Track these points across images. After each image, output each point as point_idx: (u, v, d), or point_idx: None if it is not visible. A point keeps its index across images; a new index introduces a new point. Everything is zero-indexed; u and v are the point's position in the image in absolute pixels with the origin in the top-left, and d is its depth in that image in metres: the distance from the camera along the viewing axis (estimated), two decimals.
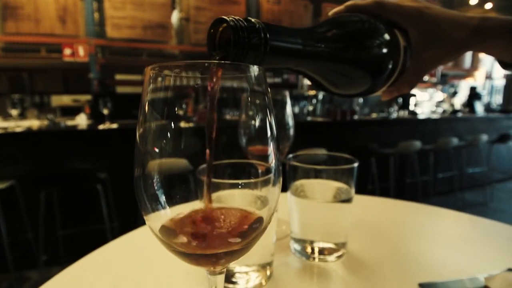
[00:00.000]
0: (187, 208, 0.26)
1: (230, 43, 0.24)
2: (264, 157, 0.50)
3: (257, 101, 0.24)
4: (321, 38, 0.31)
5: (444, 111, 4.33)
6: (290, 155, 0.50)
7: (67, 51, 3.19)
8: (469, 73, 5.99)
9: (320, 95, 3.82)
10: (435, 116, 3.76)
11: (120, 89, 3.92)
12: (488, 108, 4.94)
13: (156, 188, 0.23)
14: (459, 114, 3.99)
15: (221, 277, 0.24)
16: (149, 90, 0.22)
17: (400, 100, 3.82)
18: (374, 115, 3.64)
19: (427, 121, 3.57)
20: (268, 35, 0.25)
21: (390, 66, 0.36)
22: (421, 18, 0.36)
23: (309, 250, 0.48)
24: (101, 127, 2.24)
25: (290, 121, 0.58)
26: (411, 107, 4.09)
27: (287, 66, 0.30)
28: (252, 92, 0.23)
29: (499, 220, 0.64)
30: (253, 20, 0.24)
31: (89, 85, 3.50)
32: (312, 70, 0.33)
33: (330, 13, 0.38)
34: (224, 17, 0.24)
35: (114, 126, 2.31)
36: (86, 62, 3.37)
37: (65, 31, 3.18)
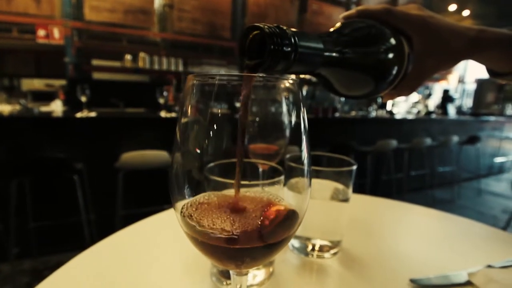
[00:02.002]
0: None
1: (265, 51, 0.24)
2: (267, 156, 0.50)
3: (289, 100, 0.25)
4: (339, 46, 0.32)
5: (418, 112, 4.51)
6: (288, 155, 0.51)
7: (41, 33, 3.00)
8: (443, 76, 6.27)
9: (304, 91, 3.86)
10: (410, 117, 3.92)
11: (97, 75, 3.76)
12: (459, 110, 5.21)
13: (192, 183, 0.25)
14: (433, 116, 4.18)
15: (246, 278, 0.25)
16: (192, 96, 0.23)
17: (379, 100, 3.94)
18: (353, 113, 3.74)
19: (403, 121, 3.72)
20: (298, 44, 0.25)
21: (395, 72, 0.38)
22: (425, 27, 0.38)
23: (309, 247, 0.50)
24: (78, 115, 2.15)
25: (286, 119, 0.59)
26: (389, 107, 4.23)
27: (307, 71, 0.31)
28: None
29: (465, 216, 0.70)
30: (284, 27, 0.25)
31: (63, 70, 3.33)
32: (327, 74, 0.34)
33: (341, 16, 0.39)
34: (259, 24, 0.24)
35: (93, 114, 2.23)
36: (61, 45, 3.19)
37: (40, 11, 2.99)
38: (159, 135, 2.37)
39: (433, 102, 5.14)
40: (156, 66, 3.79)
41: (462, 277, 0.45)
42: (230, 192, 0.27)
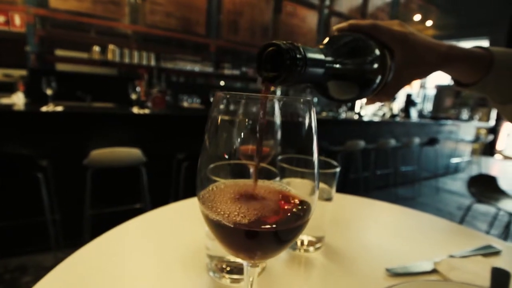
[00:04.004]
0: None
1: (281, 65, 0.26)
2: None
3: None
4: (335, 58, 0.35)
5: (384, 115, 4.77)
6: (280, 157, 0.54)
7: (0, 19, 2.78)
8: None
9: (278, 91, 3.92)
10: (376, 119, 4.14)
11: (61, 67, 3.55)
12: (420, 114, 5.58)
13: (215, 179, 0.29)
14: (397, 118, 4.44)
15: (256, 270, 0.27)
16: (220, 110, 0.26)
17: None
18: (324, 114, 3.87)
19: (370, 123, 3.92)
20: (307, 57, 0.28)
21: (378, 81, 0.43)
22: (405, 42, 0.43)
23: (298, 243, 0.53)
24: (44, 109, 2.02)
25: (278, 121, 0.62)
26: (357, 109, 4.43)
27: (312, 81, 0.34)
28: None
29: (424, 212, 0.79)
30: (295, 43, 0.27)
31: (24, 59, 3.11)
32: (324, 82, 0.38)
33: (335, 27, 0.43)
34: (276, 41, 0.27)
35: (59, 108, 2.11)
36: (22, 32, 2.98)
37: None
38: (131, 132, 2.30)
39: (397, 105, 5.45)
40: (126, 60, 3.66)
41: (429, 266, 0.51)
42: (245, 181, 0.29)
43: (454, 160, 5.31)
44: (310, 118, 0.28)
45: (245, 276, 0.28)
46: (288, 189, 0.30)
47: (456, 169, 5.47)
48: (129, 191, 2.27)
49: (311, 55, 0.29)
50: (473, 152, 5.96)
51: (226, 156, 0.27)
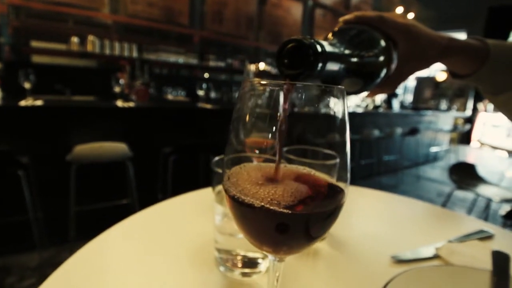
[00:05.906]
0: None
1: (303, 61, 0.26)
2: (261, 150, 0.53)
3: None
4: (349, 51, 0.35)
5: (367, 106, 4.86)
6: (285, 148, 0.54)
7: None
8: None
9: None
10: (360, 110, 4.22)
11: (37, 59, 3.38)
12: (402, 105, 5.72)
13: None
14: (380, 109, 4.54)
15: (282, 265, 0.27)
16: (246, 98, 0.25)
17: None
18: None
19: (355, 114, 3.99)
20: (327, 52, 0.27)
21: (383, 74, 0.43)
22: (409, 34, 0.43)
23: None
24: (23, 103, 1.93)
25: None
26: None
27: (330, 75, 0.33)
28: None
29: None
30: (315, 38, 0.27)
31: None
32: (336, 76, 0.38)
33: (341, 19, 0.43)
34: (296, 37, 0.26)
35: (39, 102, 2.02)
36: None
37: None
38: (116, 126, 2.24)
39: (380, 97, 5.57)
40: (107, 51, 3.53)
41: (431, 251, 0.53)
42: (270, 165, 0.27)
43: (434, 149, 5.51)
44: (343, 107, 0.27)
45: (270, 272, 0.27)
46: (314, 172, 0.29)
47: (435, 158, 5.68)
48: (115, 187, 2.21)
49: (330, 49, 0.29)
50: (451, 141, 6.19)
51: (257, 151, 0.26)
